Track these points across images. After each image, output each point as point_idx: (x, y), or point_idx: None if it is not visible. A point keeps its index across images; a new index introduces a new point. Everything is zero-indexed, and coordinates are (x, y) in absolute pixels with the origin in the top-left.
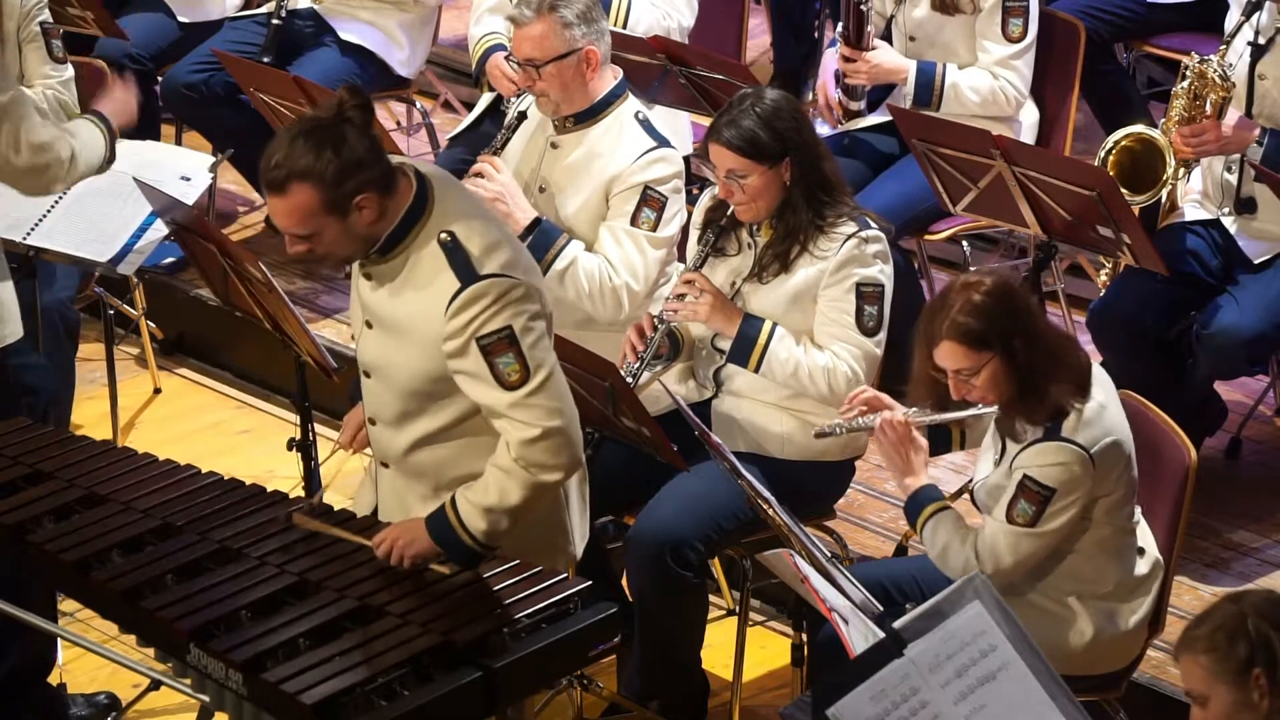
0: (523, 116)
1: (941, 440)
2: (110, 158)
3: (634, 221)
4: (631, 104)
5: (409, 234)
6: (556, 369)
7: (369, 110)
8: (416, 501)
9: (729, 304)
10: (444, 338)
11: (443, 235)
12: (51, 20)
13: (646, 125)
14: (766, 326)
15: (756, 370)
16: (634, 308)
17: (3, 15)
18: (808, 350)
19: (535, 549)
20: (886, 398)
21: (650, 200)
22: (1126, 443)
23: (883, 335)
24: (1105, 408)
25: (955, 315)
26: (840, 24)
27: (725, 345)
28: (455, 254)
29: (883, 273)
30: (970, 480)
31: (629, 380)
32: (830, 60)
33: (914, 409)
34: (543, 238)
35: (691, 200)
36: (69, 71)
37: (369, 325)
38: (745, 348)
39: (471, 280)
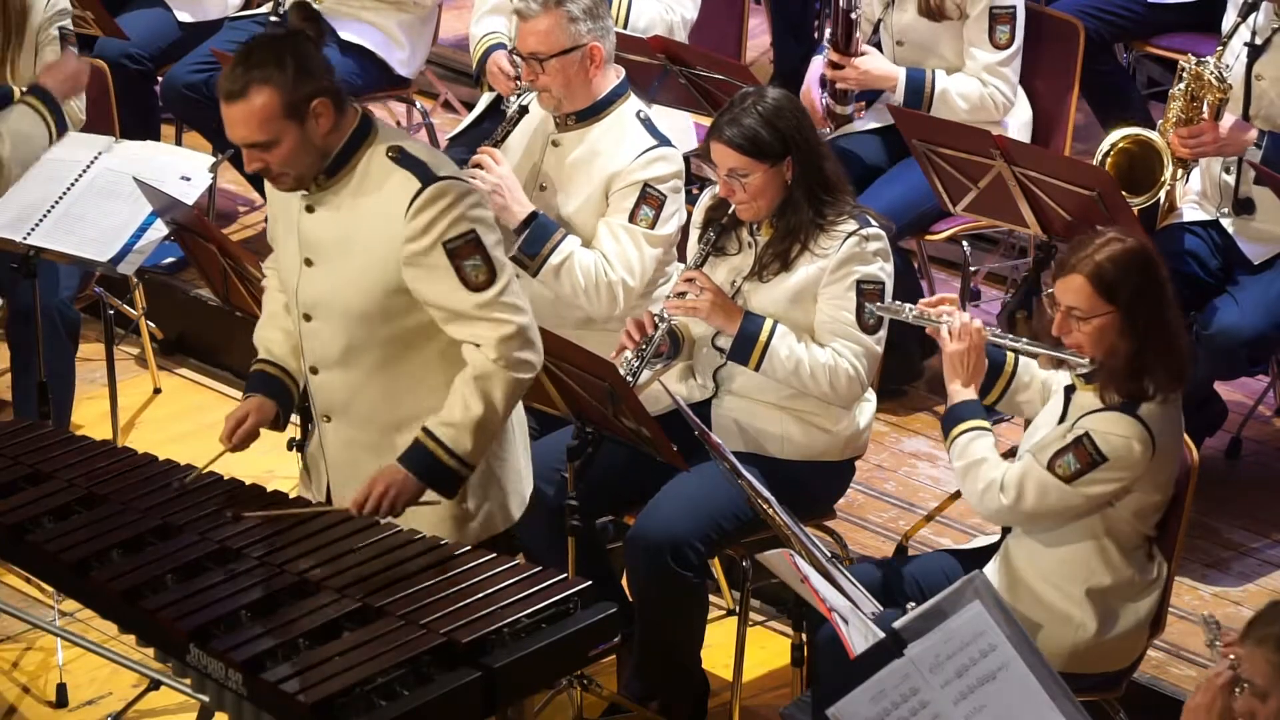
0: (524, 110)
1: (983, 387)
2: (57, 131)
3: (632, 219)
4: (633, 103)
5: (356, 152)
6: (513, 269)
7: (320, 24)
8: (364, 453)
9: (729, 302)
10: (405, 239)
11: (390, 151)
12: (71, 27)
13: (648, 124)
14: (767, 324)
15: (757, 368)
16: (629, 304)
17: (27, 15)
18: (809, 348)
19: (494, 492)
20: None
21: (649, 198)
22: (1180, 456)
23: (883, 333)
24: (1181, 416)
25: (1096, 255)
26: (829, 30)
27: (726, 344)
28: (408, 161)
29: (883, 270)
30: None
31: (629, 379)
32: (815, 66)
33: (996, 330)
34: (539, 231)
35: (691, 200)
36: None
37: (308, 264)
38: (746, 345)
39: (431, 180)
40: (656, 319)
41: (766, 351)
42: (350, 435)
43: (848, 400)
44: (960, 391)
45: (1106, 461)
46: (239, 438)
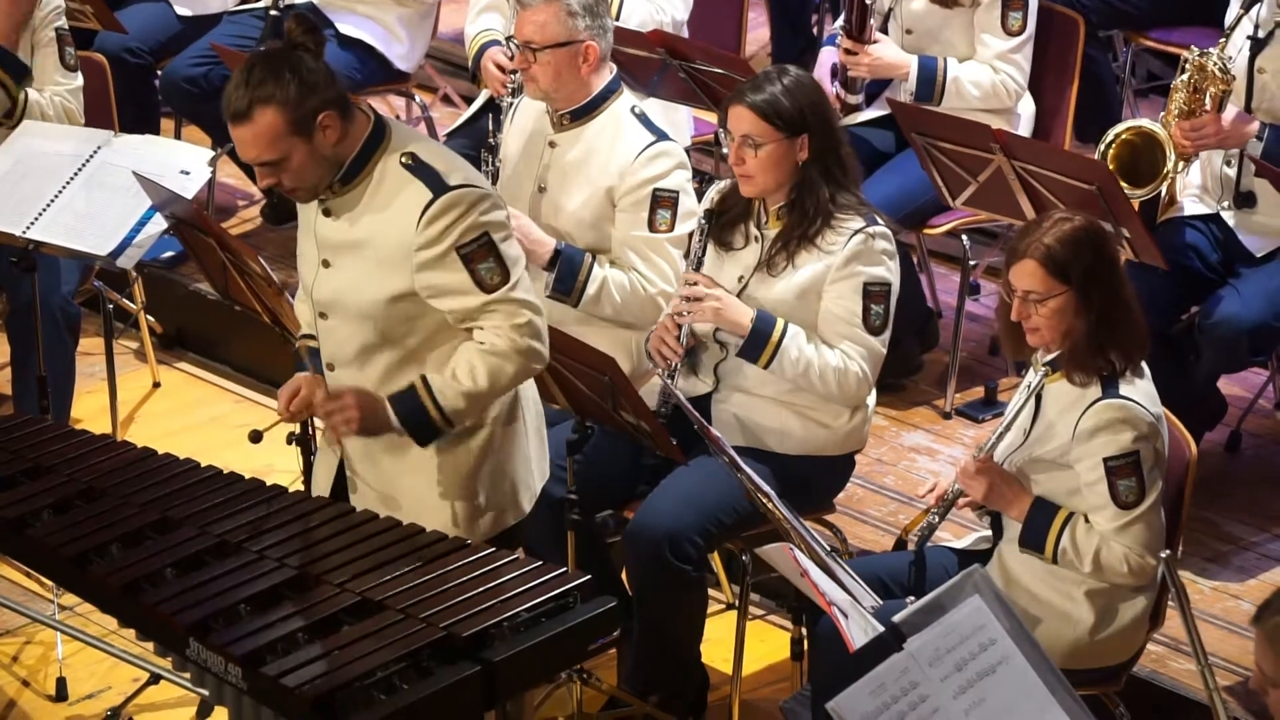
0: (517, 92)
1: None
2: (16, 83)
3: (652, 228)
4: (626, 98)
5: (370, 160)
6: (524, 266)
7: (318, 35)
8: (382, 452)
9: (737, 305)
10: (417, 247)
11: (403, 158)
12: (67, 27)
13: (643, 119)
14: (779, 325)
15: (766, 367)
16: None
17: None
18: (819, 349)
19: (505, 486)
20: (943, 477)
21: (662, 201)
22: (1169, 435)
23: (888, 334)
24: (1154, 389)
25: (1044, 238)
26: (842, 17)
27: (728, 338)
28: (420, 170)
29: (890, 270)
30: (988, 446)
31: (668, 379)
32: (827, 56)
33: (979, 449)
34: (568, 265)
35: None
36: (78, 80)
37: (325, 265)
38: (758, 344)
39: (443, 190)
40: (675, 321)
41: (778, 351)
42: None
43: (854, 401)
44: (1021, 512)
45: (1139, 452)
46: (297, 406)
